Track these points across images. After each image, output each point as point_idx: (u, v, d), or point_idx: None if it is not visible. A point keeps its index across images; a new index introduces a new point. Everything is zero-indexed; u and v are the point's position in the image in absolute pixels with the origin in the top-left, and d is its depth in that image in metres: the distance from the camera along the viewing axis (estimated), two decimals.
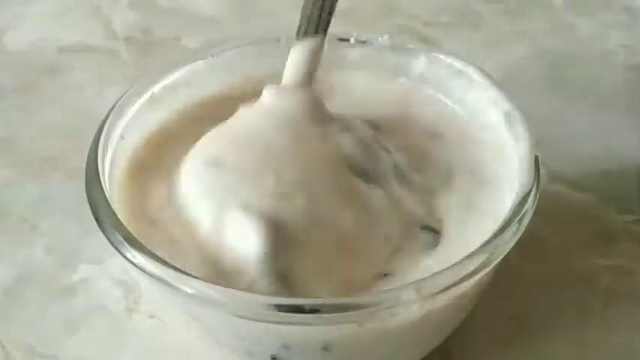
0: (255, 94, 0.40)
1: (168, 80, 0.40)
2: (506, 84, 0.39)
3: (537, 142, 0.36)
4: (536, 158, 0.35)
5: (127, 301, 0.40)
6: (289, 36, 0.41)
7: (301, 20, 0.38)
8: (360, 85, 0.42)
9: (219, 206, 0.34)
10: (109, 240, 0.32)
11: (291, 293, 0.32)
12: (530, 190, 0.34)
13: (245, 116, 0.37)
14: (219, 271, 0.32)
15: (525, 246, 0.34)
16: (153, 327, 0.39)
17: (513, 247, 0.32)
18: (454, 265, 0.31)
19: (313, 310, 0.29)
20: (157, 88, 0.39)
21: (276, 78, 0.39)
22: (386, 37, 0.42)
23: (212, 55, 0.41)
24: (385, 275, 0.33)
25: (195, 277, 0.30)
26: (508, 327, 0.39)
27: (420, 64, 0.41)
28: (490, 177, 0.37)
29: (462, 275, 0.31)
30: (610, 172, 0.47)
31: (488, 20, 0.60)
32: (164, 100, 0.40)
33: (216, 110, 0.40)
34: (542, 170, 0.35)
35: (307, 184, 0.34)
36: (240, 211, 0.33)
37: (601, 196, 0.45)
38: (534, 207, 0.33)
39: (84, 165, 0.35)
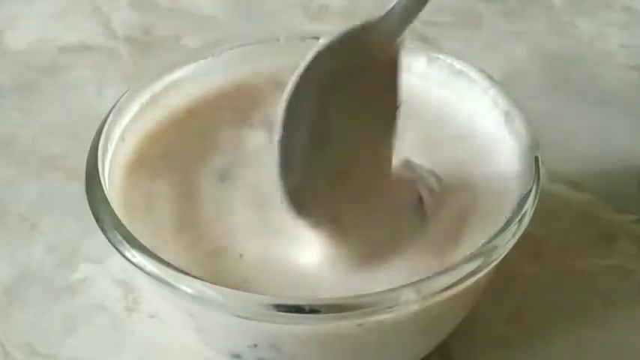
0: (256, 93, 0.40)
1: (168, 80, 0.40)
2: (506, 84, 0.39)
3: (537, 142, 0.36)
4: (536, 158, 0.35)
5: (126, 300, 0.40)
6: (289, 36, 0.41)
7: None
8: None
9: None
10: (109, 240, 0.32)
11: None
12: (530, 190, 0.34)
13: None
14: None
15: (525, 246, 0.34)
16: (153, 327, 0.39)
17: (513, 247, 0.32)
18: (454, 265, 0.31)
19: (313, 310, 0.29)
20: (157, 88, 0.39)
21: (276, 78, 0.39)
22: None
23: (212, 55, 0.41)
24: None
25: (195, 277, 0.30)
26: (508, 327, 0.39)
27: (420, 63, 0.41)
28: (490, 177, 0.37)
29: (461, 275, 0.31)
30: (610, 172, 0.47)
31: (488, 20, 0.59)
32: (164, 100, 0.40)
33: (216, 110, 0.40)
34: (542, 170, 0.35)
35: None
36: None
37: (601, 196, 0.45)
38: (534, 207, 0.33)
39: (84, 165, 0.35)
